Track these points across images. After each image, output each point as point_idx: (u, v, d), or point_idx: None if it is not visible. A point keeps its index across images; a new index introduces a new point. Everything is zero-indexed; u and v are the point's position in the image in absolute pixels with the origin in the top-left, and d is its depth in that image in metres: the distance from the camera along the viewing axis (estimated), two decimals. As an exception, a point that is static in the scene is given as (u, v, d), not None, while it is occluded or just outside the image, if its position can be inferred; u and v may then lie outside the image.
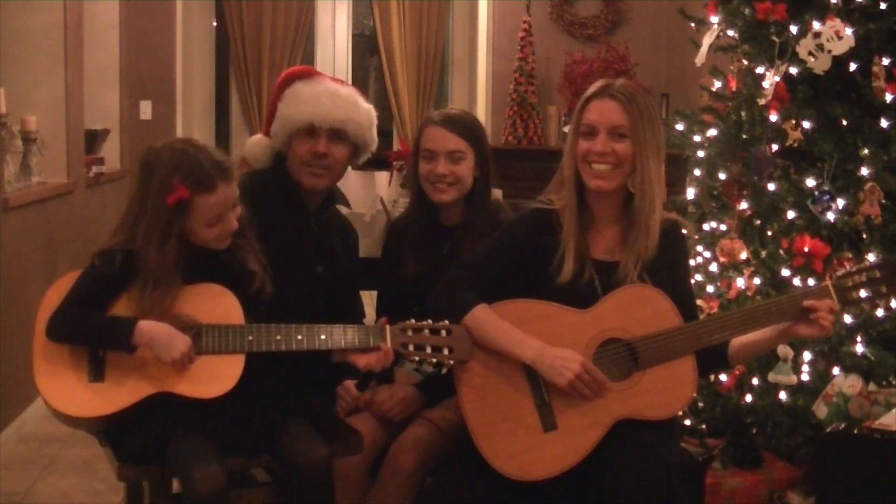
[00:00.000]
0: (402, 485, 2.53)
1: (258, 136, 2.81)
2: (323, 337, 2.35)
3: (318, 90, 2.65)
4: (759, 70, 3.34)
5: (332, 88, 2.67)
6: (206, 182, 2.29)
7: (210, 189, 2.30)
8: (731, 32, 3.49)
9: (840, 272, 2.62)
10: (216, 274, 2.38)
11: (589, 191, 2.43)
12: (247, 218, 2.45)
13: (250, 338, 2.32)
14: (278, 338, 2.32)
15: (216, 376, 2.30)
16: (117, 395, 2.29)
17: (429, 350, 2.36)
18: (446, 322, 2.38)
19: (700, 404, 3.28)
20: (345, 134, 2.65)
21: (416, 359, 2.37)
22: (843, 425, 2.91)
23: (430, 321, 2.39)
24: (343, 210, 3.01)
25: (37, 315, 2.35)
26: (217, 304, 2.35)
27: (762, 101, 3.25)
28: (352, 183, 4.29)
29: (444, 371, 2.40)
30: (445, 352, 2.36)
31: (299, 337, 2.33)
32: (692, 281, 3.14)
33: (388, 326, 2.39)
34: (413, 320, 2.40)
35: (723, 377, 3.20)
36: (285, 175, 2.68)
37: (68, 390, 2.29)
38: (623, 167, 2.39)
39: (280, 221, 2.64)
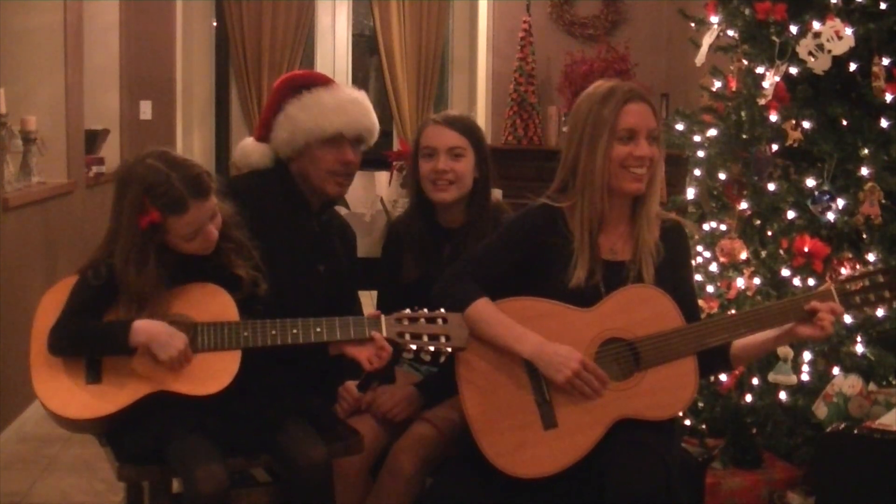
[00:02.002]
0: (402, 486, 2.53)
1: (250, 142, 2.75)
2: (318, 330, 2.34)
3: (341, 98, 2.65)
4: (759, 70, 3.34)
5: (353, 96, 2.68)
6: (178, 204, 2.26)
7: (183, 210, 2.27)
8: (731, 32, 3.49)
9: (843, 276, 2.62)
10: (206, 277, 2.37)
11: (610, 193, 2.43)
12: (234, 218, 2.43)
13: (246, 334, 2.31)
14: (273, 332, 2.32)
15: (213, 374, 2.29)
16: (115, 395, 2.29)
17: (425, 339, 2.34)
18: (442, 310, 2.36)
19: (700, 404, 3.28)
20: (364, 140, 2.69)
21: (413, 348, 2.35)
22: (843, 425, 2.91)
23: (426, 310, 2.37)
24: (342, 211, 3.01)
25: (35, 317, 2.35)
26: (211, 302, 2.35)
27: (762, 101, 3.24)
28: (352, 183, 4.29)
29: (442, 360, 2.38)
30: (442, 340, 2.34)
31: (294, 331, 2.33)
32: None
33: (383, 317, 2.37)
34: (409, 310, 2.38)
35: (723, 377, 3.20)
36: (288, 176, 2.68)
37: (66, 393, 2.30)
38: (652, 169, 2.42)
39: (282, 222, 2.63)
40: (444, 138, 2.72)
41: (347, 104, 2.65)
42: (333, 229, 2.77)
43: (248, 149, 2.75)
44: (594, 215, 2.40)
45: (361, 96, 2.71)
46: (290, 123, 2.63)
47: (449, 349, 2.35)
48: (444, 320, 2.35)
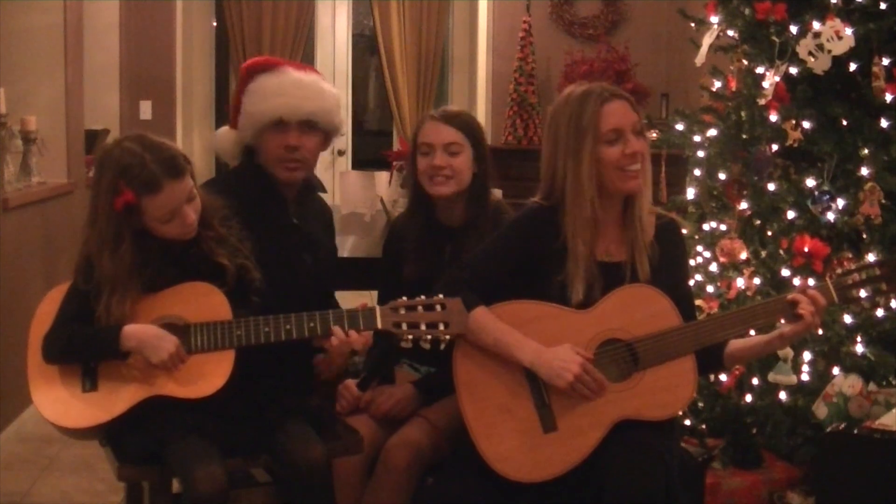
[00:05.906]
0: (396, 481, 2.53)
1: (225, 129, 2.75)
2: (312, 325, 2.32)
3: (282, 82, 2.60)
4: (759, 70, 3.34)
5: (295, 78, 2.61)
6: (152, 183, 2.26)
7: (156, 190, 2.27)
8: (731, 32, 3.49)
9: (840, 270, 2.62)
10: (191, 270, 2.36)
11: (603, 196, 2.42)
12: (219, 211, 2.42)
13: (239, 332, 2.30)
14: (267, 329, 2.30)
15: (206, 375, 2.29)
16: (112, 402, 2.29)
17: (423, 327, 2.29)
18: (441, 296, 2.33)
19: (700, 404, 3.28)
20: (315, 124, 2.61)
21: (411, 337, 2.30)
22: (843, 425, 2.91)
23: (423, 297, 2.33)
24: (342, 210, 3.00)
25: (31, 326, 2.36)
26: (204, 302, 2.34)
27: (762, 101, 3.25)
28: (352, 183, 4.28)
29: (442, 347, 2.33)
30: (441, 327, 2.29)
31: (288, 327, 2.31)
32: (692, 281, 3.15)
33: (378, 307, 2.34)
34: (405, 297, 2.35)
35: (723, 377, 3.20)
36: (259, 170, 2.65)
37: (63, 403, 2.30)
38: (645, 163, 2.41)
39: (260, 218, 2.58)
40: (440, 134, 2.72)
41: (289, 87, 2.58)
42: (311, 214, 2.74)
43: (221, 136, 2.74)
44: (586, 224, 2.37)
45: (309, 78, 2.63)
46: (244, 112, 2.62)
47: (447, 336, 2.30)
48: (443, 306, 2.31)
